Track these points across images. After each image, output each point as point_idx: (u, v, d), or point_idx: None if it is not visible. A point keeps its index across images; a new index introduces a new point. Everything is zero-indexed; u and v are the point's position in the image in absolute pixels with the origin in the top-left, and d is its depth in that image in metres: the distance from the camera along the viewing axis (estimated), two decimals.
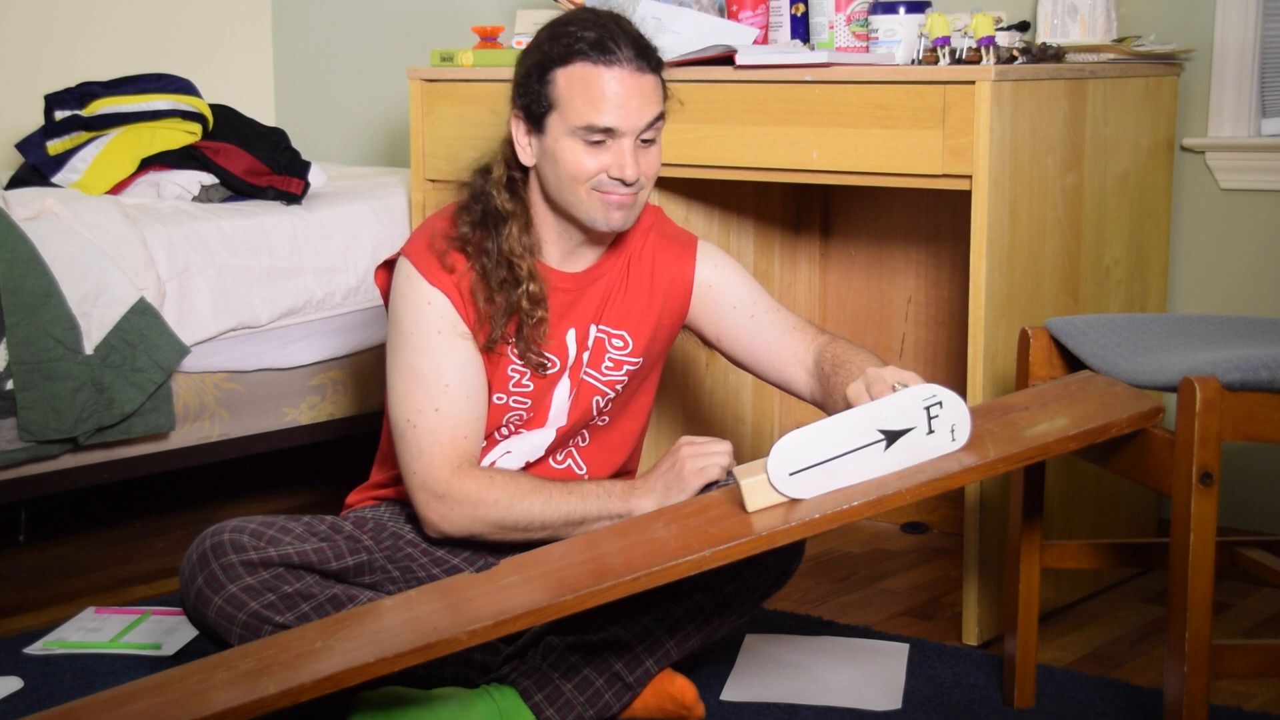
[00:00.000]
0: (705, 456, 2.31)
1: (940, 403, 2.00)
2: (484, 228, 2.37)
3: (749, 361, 2.51)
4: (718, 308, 2.50)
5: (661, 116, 2.32)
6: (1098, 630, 2.83)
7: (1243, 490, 3.09)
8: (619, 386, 2.48)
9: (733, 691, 2.50)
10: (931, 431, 2.00)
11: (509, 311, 2.35)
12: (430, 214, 2.54)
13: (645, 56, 2.29)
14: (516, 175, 2.39)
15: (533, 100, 2.32)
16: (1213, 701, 2.37)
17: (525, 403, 2.42)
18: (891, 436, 1.99)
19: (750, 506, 1.99)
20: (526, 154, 2.36)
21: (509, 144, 2.39)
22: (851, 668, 2.61)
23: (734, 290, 2.50)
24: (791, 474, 1.97)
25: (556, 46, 2.30)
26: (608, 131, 2.27)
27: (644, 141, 2.31)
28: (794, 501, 1.98)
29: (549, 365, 2.41)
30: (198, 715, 1.88)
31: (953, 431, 2.01)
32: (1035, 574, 2.42)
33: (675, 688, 2.35)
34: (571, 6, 3.33)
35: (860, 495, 1.94)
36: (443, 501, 2.31)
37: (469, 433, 2.34)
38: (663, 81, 2.34)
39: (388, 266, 2.47)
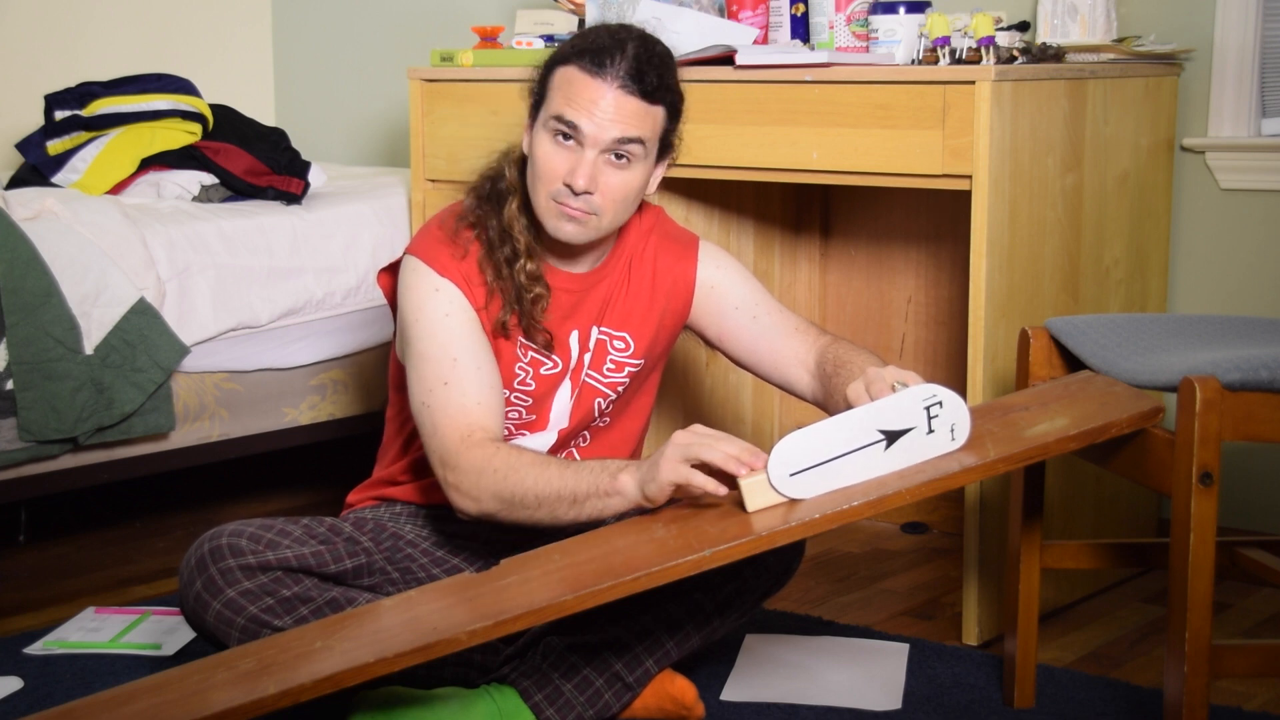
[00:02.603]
0: (692, 447, 2.05)
1: (940, 402, 2.00)
2: (490, 201, 2.39)
3: (750, 362, 2.51)
4: (719, 309, 2.50)
5: (639, 142, 2.28)
6: (1098, 630, 2.83)
7: (1243, 490, 3.09)
8: (620, 388, 2.47)
9: (733, 691, 2.51)
10: (931, 431, 2.00)
11: (516, 290, 2.36)
12: (432, 214, 2.54)
13: (638, 79, 2.26)
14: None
15: (534, 90, 2.36)
16: (1213, 701, 2.37)
17: (526, 401, 2.42)
18: (891, 436, 1.99)
19: (750, 507, 1.99)
20: (526, 141, 2.38)
21: None
22: (851, 668, 2.61)
23: (736, 291, 2.50)
24: (792, 474, 1.97)
25: (567, 46, 2.33)
26: (573, 128, 2.26)
27: (614, 159, 2.28)
28: (794, 502, 1.98)
29: (552, 363, 2.41)
30: (198, 715, 1.88)
31: (952, 431, 2.01)
32: (1035, 574, 2.42)
33: (675, 688, 2.35)
34: (572, 7, 3.33)
35: (860, 495, 1.94)
36: (453, 472, 2.25)
37: (481, 400, 2.29)
38: (665, 116, 2.31)
39: (390, 271, 2.48)
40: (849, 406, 2.09)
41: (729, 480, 2.02)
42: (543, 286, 2.37)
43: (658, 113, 2.30)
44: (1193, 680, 2.03)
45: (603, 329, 2.45)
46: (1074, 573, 2.93)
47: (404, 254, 2.41)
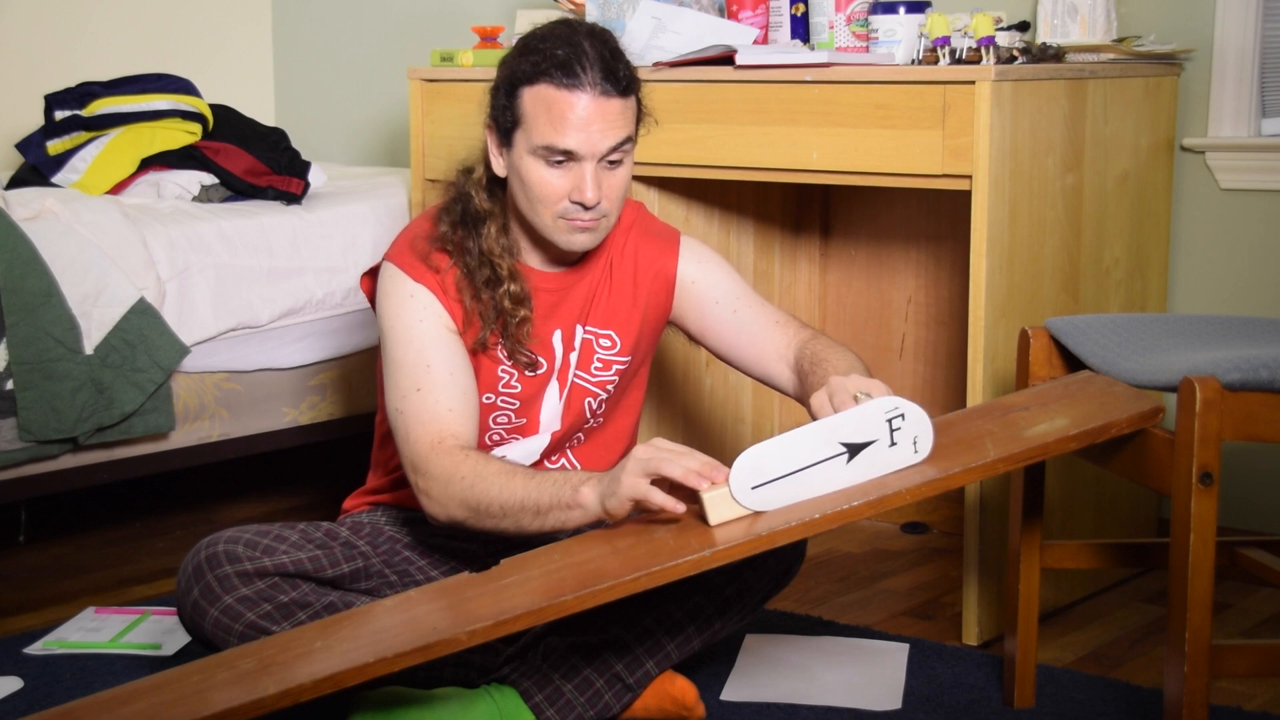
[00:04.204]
0: (652, 462, 2.01)
1: (902, 415, 1.99)
2: (464, 227, 2.38)
3: (733, 357, 2.50)
4: (701, 304, 2.49)
5: (629, 140, 2.29)
6: (1098, 630, 2.83)
7: (1243, 490, 3.09)
8: (610, 387, 2.47)
9: (733, 691, 2.51)
10: (894, 444, 1.99)
11: (496, 310, 2.35)
12: (414, 217, 2.53)
13: (613, 80, 2.25)
14: (495, 177, 2.39)
15: (501, 114, 2.31)
16: (1213, 701, 2.37)
17: (514, 404, 2.42)
18: (854, 449, 1.98)
19: (713, 520, 1.97)
20: (498, 164, 2.36)
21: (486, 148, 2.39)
22: (851, 668, 2.61)
23: (717, 286, 2.49)
24: (754, 487, 1.96)
25: (525, 64, 2.28)
26: (568, 154, 2.25)
27: (610, 163, 2.28)
28: (757, 514, 1.97)
29: (539, 366, 2.41)
30: (198, 715, 1.88)
31: (915, 444, 2.00)
32: (1035, 574, 2.42)
33: (675, 688, 2.35)
34: (572, 7, 3.33)
35: (860, 495, 1.94)
36: (423, 478, 2.24)
37: (453, 406, 2.28)
38: (637, 101, 2.32)
39: (372, 275, 2.47)
40: (813, 416, 2.08)
41: (690, 495, 2.00)
42: (527, 308, 2.36)
43: (632, 102, 2.31)
44: (1193, 680, 2.03)
45: (588, 328, 2.44)
46: (1074, 573, 2.93)
47: (382, 260, 2.41)
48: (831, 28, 3.03)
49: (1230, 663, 2.07)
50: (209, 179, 3.49)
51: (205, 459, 3.28)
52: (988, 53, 2.72)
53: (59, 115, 3.62)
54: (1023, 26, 2.96)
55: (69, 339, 2.97)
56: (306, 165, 3.55)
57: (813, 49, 3.06)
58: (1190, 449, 2.00)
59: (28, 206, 3.12)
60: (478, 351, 2.37)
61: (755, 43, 3.12)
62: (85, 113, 3.59)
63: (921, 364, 3.50)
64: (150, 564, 3.26)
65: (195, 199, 3.46)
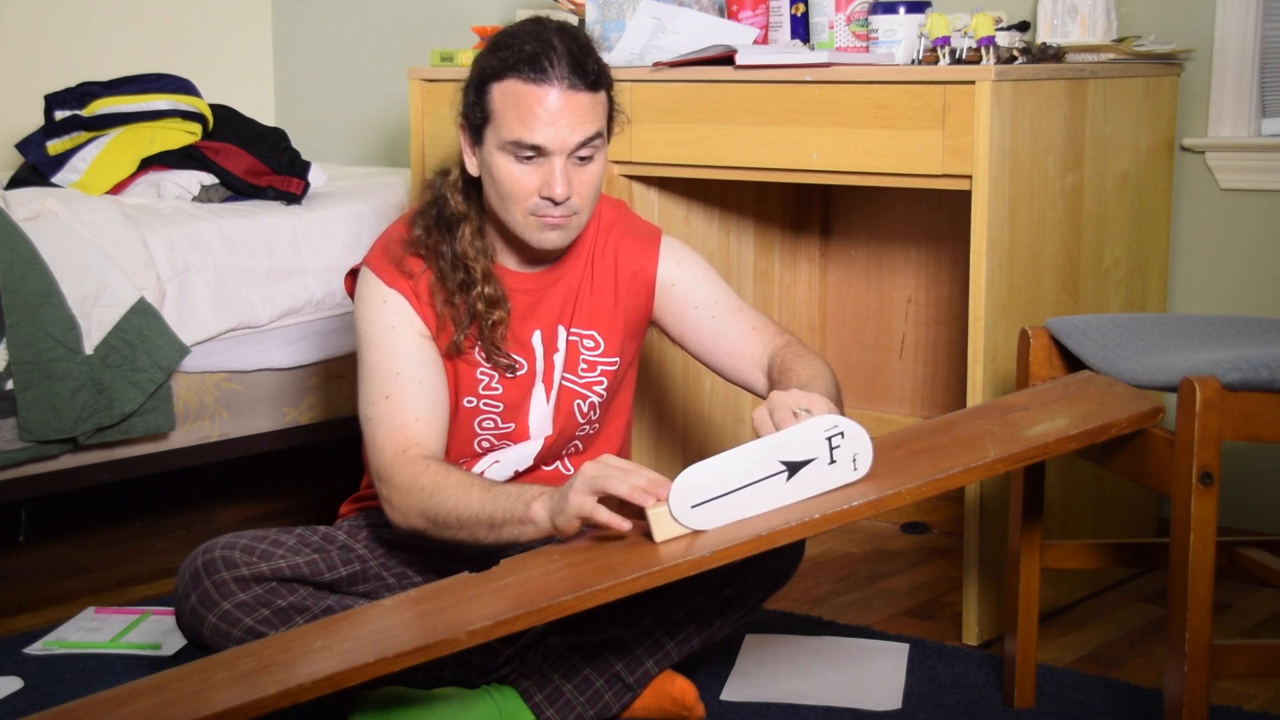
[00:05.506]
0: (598, 480, 2.02)
1: (842, 433, 1.99)
2: (439, 230, 2.37)
3: (710, 361, 2.50)
4: (679, 307, 2.48)
5: (600, 135, 2.28)
6: (1098, 630, 2.83)
7: (1243, 490, 3.09)
8: (599, 389, 2.46)
9: (733, 691, 2.51)
10: (833, 462, 1.99)
11: (470, 313, 2.35)
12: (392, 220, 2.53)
13: (581, 74, 2.24)
14: (471, 178, 2.39)
15: (471, 111, 2.31)
16: (1213, 701, 2.37)
17: (497, 406, 2.41)
18: (793, 468, 1.98)
19: (658, 537, 1.97)
20: (471, 163, 2.35)
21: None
22: (851, 668, 2.61)
23: (696, 289, 2.49)
24: (693, 506, 1.96)
25: (494, 60, 2.28)
26: (537, 149, 2.24)
27: (580, 159, 2.28)
28: (698, 533, 1.97)
29: (517, 367, 2.40)
30: (198, 715, 1.88)
31: (855, 461, 2.00)
32: (1035, 574, 2.42)
33: (675, 688, 2.35)
34: (572, 7, 3.33)
35: (859, 496, 1.94)
36: (386, 486, 2.25)
37: (420, 415, 2.29)
38: (609, 98, 2.31)
39: (354, 274, 2.47)
40: (755, 431, 2.08)
41: (639, 512, 2.00)
42: (503, 309, 2.36)
43: (603, 97, 2.30)
44: (1193, 680, 2.03)
45: (572, 330, 2.44)
46: (1074, 573, 2.93)
47: (360, 263, 2.41)
48: (831, 28, 3.03)
49: (1230, 663, 2.07)
50: (209, 179, 3.49)
51: (205, 459, 3.28)
52: (988, 53, 2.72)
53: (59, 115, 3.62)
54: (1023, 26, 2.96)
55: (69, 339, 2.97)
56: (306, 165, 3.55)
57: (813, 49, 3.06)
58: (1190, 449, 2.00)
59: (28, 206, 3.12)
60: (453, 355, 2.37)
61: (755, 43, 3.12)
62: (85, 113, 3.59)
63: (921, 364, 3.50)
64: (150, 564, 3.26)
65: (195, 199, 3.46)
